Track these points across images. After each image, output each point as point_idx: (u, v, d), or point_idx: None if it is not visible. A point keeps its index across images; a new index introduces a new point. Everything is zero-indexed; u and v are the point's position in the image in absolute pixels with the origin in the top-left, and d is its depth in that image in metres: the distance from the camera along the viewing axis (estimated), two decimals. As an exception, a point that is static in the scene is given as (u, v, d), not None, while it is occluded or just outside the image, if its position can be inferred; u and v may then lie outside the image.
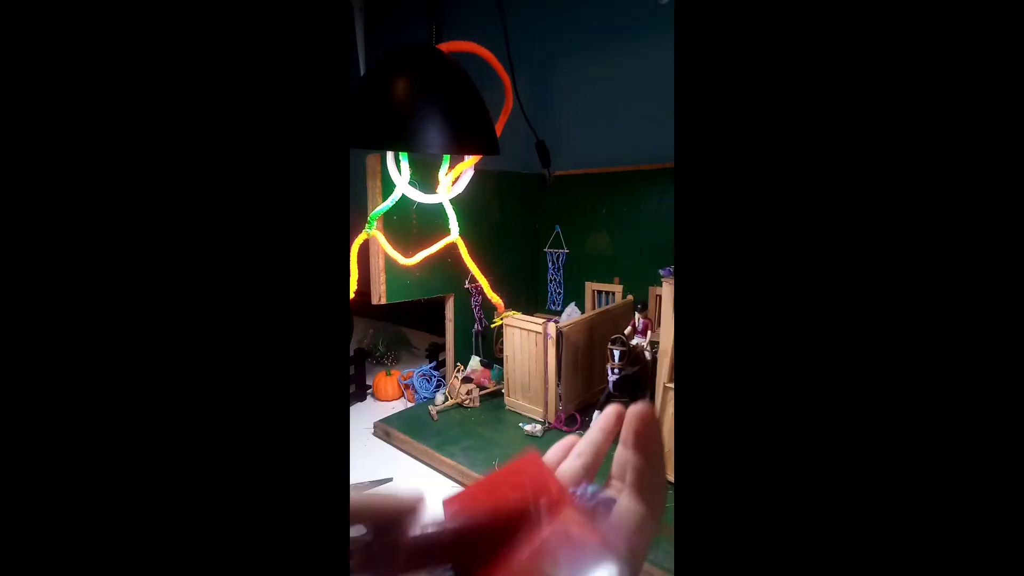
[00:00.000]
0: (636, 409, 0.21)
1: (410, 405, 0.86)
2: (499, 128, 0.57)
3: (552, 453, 0.25)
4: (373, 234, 0.63)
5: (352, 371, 0.90)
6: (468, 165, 0.61)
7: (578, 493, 0.22)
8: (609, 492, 0.22)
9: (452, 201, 0.64)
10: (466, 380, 0.82)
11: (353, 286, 0.58)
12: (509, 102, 0.59)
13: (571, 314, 0.85)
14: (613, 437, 0.24)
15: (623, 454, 0.23)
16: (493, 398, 0.83)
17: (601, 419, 0.24)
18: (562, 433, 0.72)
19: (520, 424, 0.74)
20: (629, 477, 0.22)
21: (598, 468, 0.24)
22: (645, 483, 0.21)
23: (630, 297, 0.88)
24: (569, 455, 0.24)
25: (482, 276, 0.67)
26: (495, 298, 0.69)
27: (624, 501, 0.21)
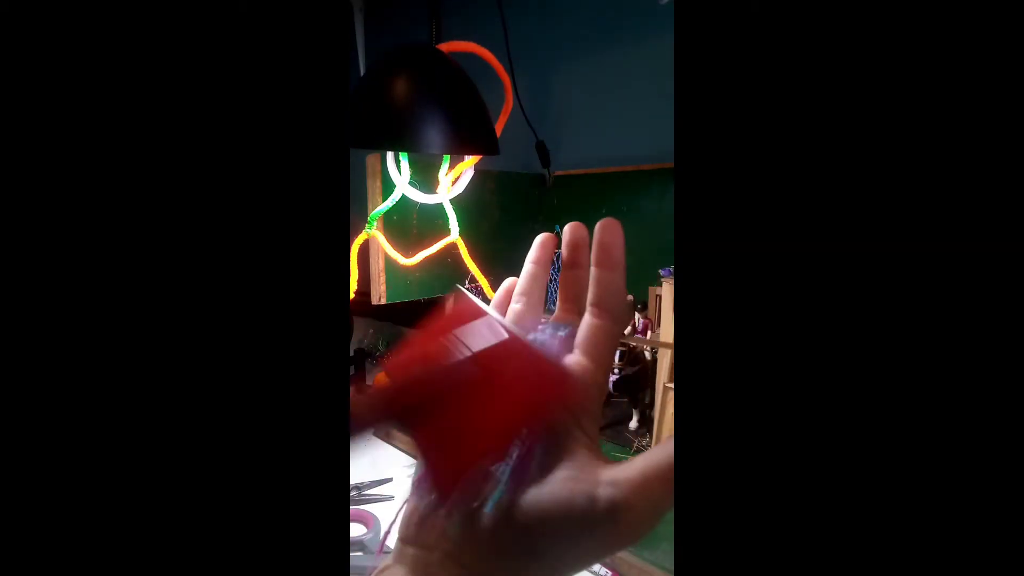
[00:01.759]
0: (603, 224, 0.22)
1: (410, 405, 0.86)
2: (499, 128, 0.57)
3: (495, 301, 0.25)
4: (373, 234, 0.63)
5: (352, 371, 0.90)
6: (468, 165, 0.61)
7: (537, 336, 0.22)
8: (564, 329, 0.22)
9: (452, 201, 0.64)
10: (466, 380, 0.82)
11: (353, 286, 0.58)
12: (509, 102, 0.59)
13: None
14: (550, 265, 0.24)
15: (573, 275, 0.23)
16: (493, 398, 0.83)
17: (534, 250, 0.24)
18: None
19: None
20: (595, 295, 0.22)
21: (544, 301, 0.24)
22: (615, 297, 0.22)
23: (630, 297, 0.88)
24: (512, 298, 0.24)
25: (482, 276, 0.67)
26: (495, 298, 0.69)
27: (574, 358, 0.21)
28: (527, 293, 0.24)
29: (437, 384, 0.20)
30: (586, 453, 0.20)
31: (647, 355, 0.73)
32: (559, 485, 0.19)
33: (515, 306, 0.24)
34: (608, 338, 0.22)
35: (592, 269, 0.22)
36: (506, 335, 0.20)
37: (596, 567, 0.52)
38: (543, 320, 0.24)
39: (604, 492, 0.18)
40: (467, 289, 0.85)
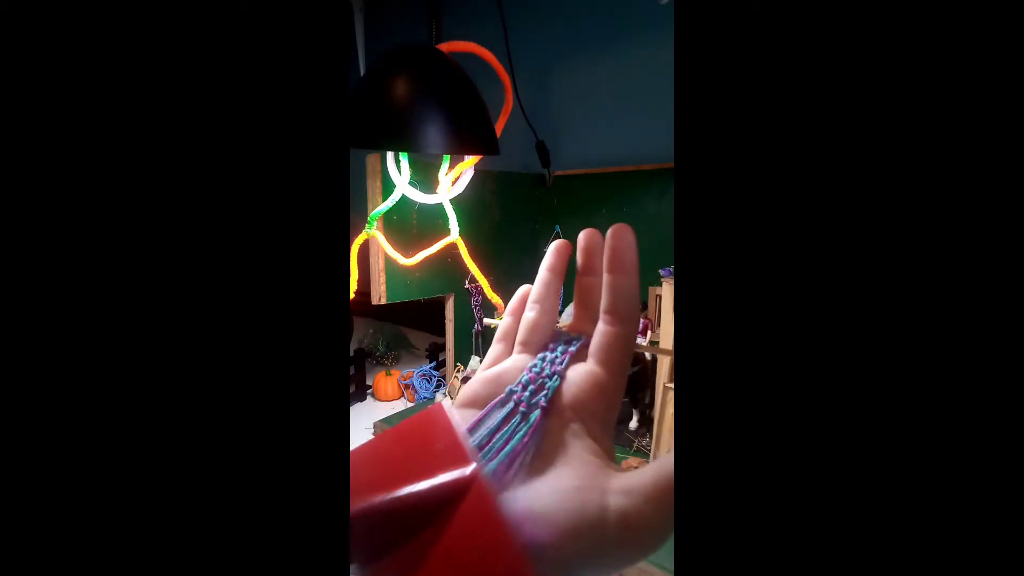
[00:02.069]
0: (615, 229, 0.22)
1: (410, 405, 0.86)
2: (499, 128, 0.57)
3: (510, 309, 0.25)
4: (373, 234, 0.63)
5: (352, 371, 0.90)
6: (468, 165, 0.61)
7: (547, 355, 0.22)
8: (577, 342, 0.23)
9: (452, 201, 0.64)
10: (466, 380, 0.82)
11: (353, 286, 0.58)
12: (509, 102, 0.59)
13: (571, 314, 0.85)
14: (564, 273, 0.24)
15: (588, 282, 0.23)
16: (493, 398, 0.83)
17: (548, 258, 0.24)
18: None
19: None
20: (608, 301, 0.22)
21: (558, 308, 0.24)
22: (629, 304, 0.22)
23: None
24: (526, 305, 0.24)
25: (482, 276, 0.67)
26: (495, 298, 0.69)
27: (587, 367, 0.21)
28: (541, 300, 0.24)
29: (396, 521, 0.19)
30: (596, 462, 0.19)
31: (647, 355, 0.73)
32: (568, 495, 0.18)
33: (529, 314, 0.24)
34: (622, 345, 0.22)
35: (604, 275, 0.22)
36: (470, 470, 0.19)
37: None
38: (557, 323, 0.24)
39: (615, 502, 0.18)
40: (467, 289, 0.85)
